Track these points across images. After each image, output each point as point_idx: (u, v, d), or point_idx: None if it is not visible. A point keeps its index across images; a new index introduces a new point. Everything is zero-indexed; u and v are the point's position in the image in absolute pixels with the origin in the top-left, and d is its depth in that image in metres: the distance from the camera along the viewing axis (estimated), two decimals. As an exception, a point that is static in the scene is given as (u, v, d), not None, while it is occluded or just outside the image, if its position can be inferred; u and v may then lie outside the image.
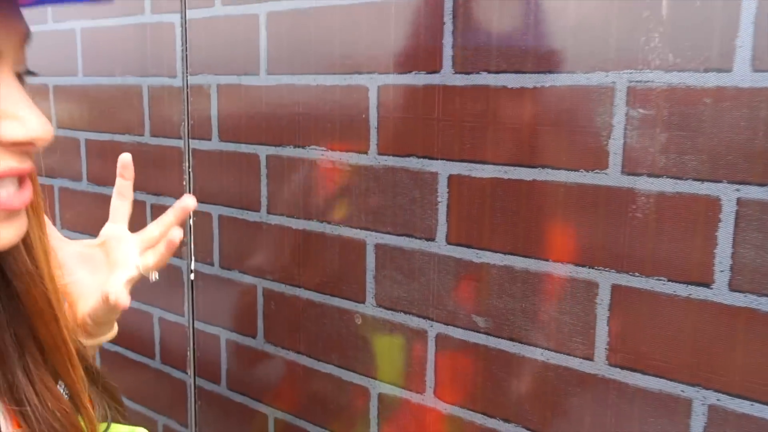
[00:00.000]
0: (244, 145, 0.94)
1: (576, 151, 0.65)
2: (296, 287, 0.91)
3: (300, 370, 0.91)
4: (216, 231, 1.00)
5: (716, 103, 0.57)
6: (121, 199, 0.67)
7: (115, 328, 0.67)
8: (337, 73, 0.82)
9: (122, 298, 0.59)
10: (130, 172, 0.67)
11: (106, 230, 0.66)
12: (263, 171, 0.93)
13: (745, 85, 0.56)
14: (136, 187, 1.10)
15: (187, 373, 1.07)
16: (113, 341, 0.68)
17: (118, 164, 0.66)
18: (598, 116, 0.63)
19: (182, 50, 1.00)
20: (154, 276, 0.64)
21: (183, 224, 0.68)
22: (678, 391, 0.61)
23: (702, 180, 0.58)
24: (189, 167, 1.02)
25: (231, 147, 0.96)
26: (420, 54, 0.75)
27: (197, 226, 1.02)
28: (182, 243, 1.03)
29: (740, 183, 0.57)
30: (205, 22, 0.96)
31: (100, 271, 0.63)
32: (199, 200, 1.01)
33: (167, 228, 0.65)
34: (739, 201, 0.57)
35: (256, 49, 0.91)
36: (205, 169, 1.00)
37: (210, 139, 0.99)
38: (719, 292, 0.58)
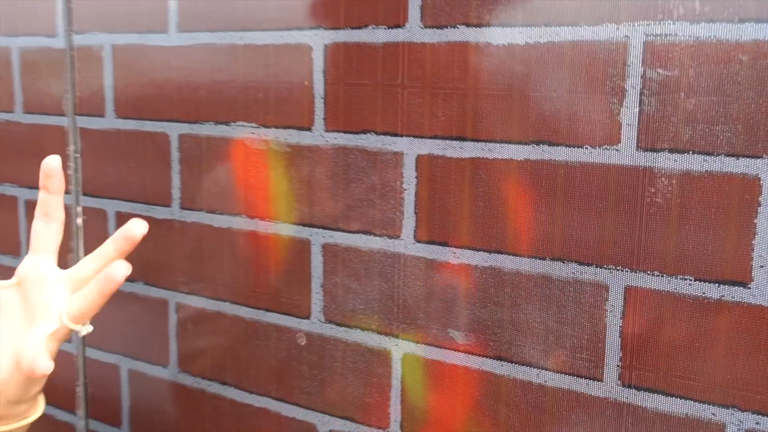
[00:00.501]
0: (148, 122, 0.81)
1: (580, 123, 0.57)
2: (220, 301, 0.78)
3: (226, 406, 0.79)
4: (113, 232, 0.86)
5: (754, 60, 0.51)
6: (46, 221, 0.54)
7: (40, 407, 0.52)
8: (272, 29, 0.71)
9: (40, 362, 0.45)
10: (58, 183, 0.54)
11: (25, 266, 0.52)
12: (175, 155, 0.79)
13: (790, 38, 0.50)
14: (7, 178, 0.94)
15: (76, 414, 0.91)
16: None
17: (42, 171, 0.54)
18: (608, 79, 0.56)
19: (64, 1, 0.85)
20: (86, 329, 0.51)
21: (124, 255, 0.56)
22: (708, 414, 0.54)
23: (737, 155, 0.52)
24: (75, 152, 0.87)
25: (131, 125, 0.82)
26: (378, 3, 0.65)
27: (88, 226, 0.87)
28: (68, 250, 0.88)
29: (784, 158, 0.51)
30: (95, -35, 0.82)
31: (15, 321, 0.49)
32: (90, 193, 0.87)
33: (105, 263, 0.53)
34: (783, 180, 0.51)
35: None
36: (96, 154, 0.85)
37: (103, 116, 0.84)
38: (759, 293, 0.52)
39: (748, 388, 0.53)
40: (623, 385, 0.57)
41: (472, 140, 0.62)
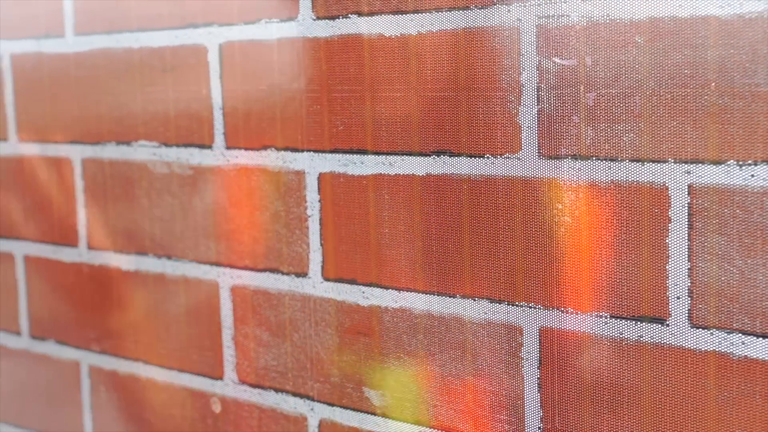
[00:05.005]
0: (51, 145, 1.07)
1: (479, 127, 0.74)
2: (133, 361, 1.02)
3: (143, 491, 1.02)
4: (22, 280, 1.13)
5: (651, 42, 0.66)
6: None
7: None
8: (167, 28, 0.94)
9: None
10: None
11: None
12: (79, 183, 1.05)
13: (685, 14, 0.64)
14: None
15: (-7, 507, 1.19)
16: None
17: None
18: (503, 72, 0.73)
19: (-40, 6, 1.14)
20: None
21: None
22: (639, 487, 0.69)
23: (642, 160, 0.67)
24: (-19, 184, 1.15)
25: (34, 149, 1.09)
26: (268, -7, 0.86)
27: (-4, 274, 1.15)
28: (-21, 302, 1.16)
29: (691, 162, 0.65)
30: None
31: None
32: (-3, 234, 1.14)
33: None
34: (691, 189, 0.65)
35: (55, -2, 1.04)
36: (1, 186, 1.13)
37: (6, 140, 1.12)
38: (678, 331, 0.67)
39: (678, 453, 0.67)
40: (547, 453, 0.73)
41: (373, 153, 0.81)
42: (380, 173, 0.81)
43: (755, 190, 0.63)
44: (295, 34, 0.85)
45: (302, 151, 0.86)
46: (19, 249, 1.13)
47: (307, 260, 0.87)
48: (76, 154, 1.05)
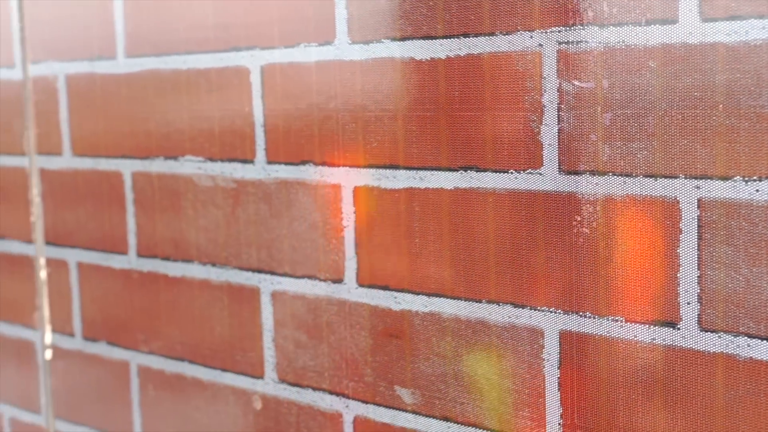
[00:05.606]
0: (103, 159, 1.14)
1: (503, 144, 0.80)
2: (179, 361, 1.08)
3: (189, 485, 1.08)
4: (75, 286, 1.20)
5: (663, 66, 0.71)
6: None
7: None
8: (212, 51, 1.01)
9: None
10: None
11: None
12: (129, 195, 1.12)
13: (695, 41, 0.69)
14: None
15: (46, 500, 1.26)
16: None
17: None
18: (526, 94, 0.78)
19: (19, 28, 1.21)
20: None
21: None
22: (653, 480, 0.74)
23: (655, 176, 0.72)
24: (37, 195, 1.22)
25: (87, 163, 1.16)
26: (307, 15, 0.92)
27: (51, 279, 1.22)
28: (33, 308, 1.23)
29: (700, 177, 0.70)
30: (45, -12, 1.17)
31: None
32: (52, 242, 1.21)
33: None
34: (700, 203, 0.70)
35: (110, 19, 1.10)
36: (56, 198, 1.20)
37: (60, 154, 1.19)
38: (688, 334, 0.71)
39: (689, 448, 0.72)
40: (568, 448, 0.78)
41: (405, 168, 0.86)
42: (411, 187, 0.86)
43: (760, 204, 0.68)
44: (332, 57, 0.91)
45: (339, 166, 0.91)
46: (73, 256, 1.20)
47: (342, 267, 0.92)
48: (126, 168, 1.12)
